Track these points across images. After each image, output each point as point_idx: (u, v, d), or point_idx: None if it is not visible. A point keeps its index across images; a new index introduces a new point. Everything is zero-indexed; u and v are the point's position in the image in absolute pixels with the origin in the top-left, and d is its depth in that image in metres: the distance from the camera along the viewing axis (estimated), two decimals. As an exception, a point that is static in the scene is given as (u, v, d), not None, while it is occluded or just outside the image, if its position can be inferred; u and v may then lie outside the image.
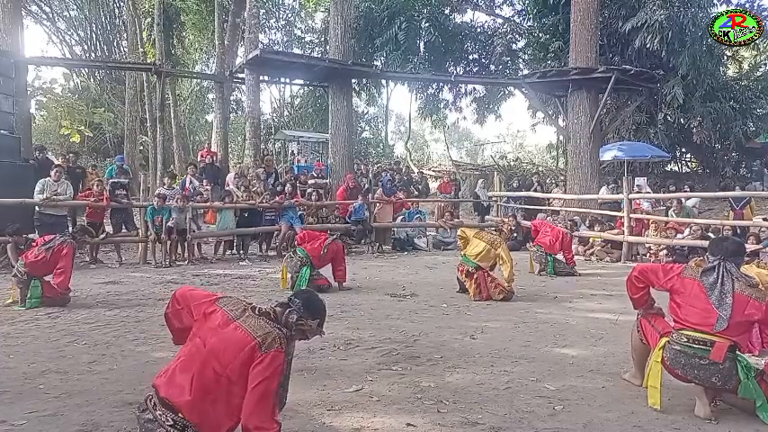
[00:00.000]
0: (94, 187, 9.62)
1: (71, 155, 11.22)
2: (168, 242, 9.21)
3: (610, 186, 13.73)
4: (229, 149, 17.83)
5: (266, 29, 27.52)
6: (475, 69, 21.98)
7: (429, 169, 25.94)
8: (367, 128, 29.94)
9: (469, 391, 3.45)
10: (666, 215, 11.18)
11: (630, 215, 10.46)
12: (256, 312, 2.44)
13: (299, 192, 11.27)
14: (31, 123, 12.81)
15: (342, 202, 11.79)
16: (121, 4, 24.15)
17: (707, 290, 3.10)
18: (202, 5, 21.93)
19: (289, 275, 7.02)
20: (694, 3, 16.18)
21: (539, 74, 14.58)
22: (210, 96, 25.35)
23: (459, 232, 7.95)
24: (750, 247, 7.34)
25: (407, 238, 12.24)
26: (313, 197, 11.48)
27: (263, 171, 11.78)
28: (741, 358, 3.05)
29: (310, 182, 12.35)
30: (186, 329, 2.62)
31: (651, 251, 10.62)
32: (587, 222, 11.71)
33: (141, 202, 9.89)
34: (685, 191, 13.17)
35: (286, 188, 10.80)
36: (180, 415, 2.21)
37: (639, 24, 15.34)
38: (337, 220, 11.71)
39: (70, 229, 7.64)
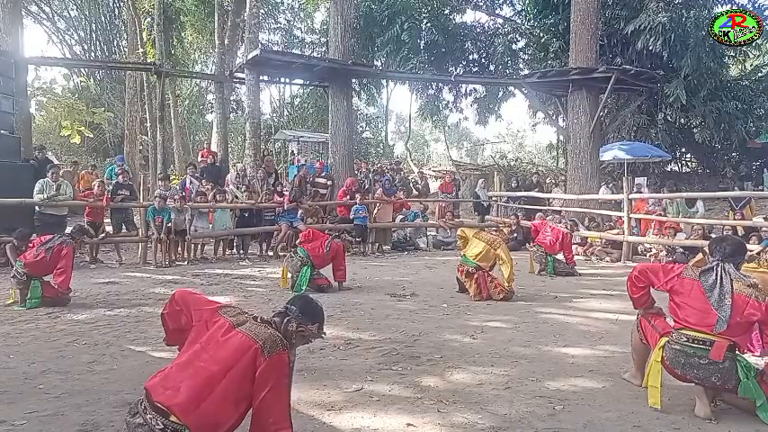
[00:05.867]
0: (95, 188, 9.62)
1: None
2: (167, 242, 9.21)
3: (609, 186, 13.73)
4: (229, 149, 17.81)
5: (266, 30, 27.53)
6: (475, 69, 21.97)
7: (429, 169, 25.94)
8: (367, 128, 29.93)
9: (469, 391, 3.45)
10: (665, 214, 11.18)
11: (630, 215, 10.47)
12: (258, 321, 2.46)
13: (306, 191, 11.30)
14: (31, 123, 12.79)
15: (340, 203, 11.77)
16: (121, 4, 24.18)
17: (706, 291, 3.10)
18: (201, 6, 21.94)
19: (289, 275, 7.03)
20: (696, 3, 16.18)
21: (539, 74, 14.59)
22: (210, 96, 25.35)
23: (458, 232, 7.95)
24: (751, 247, 7.34)
25: (407, 238, 12.25)
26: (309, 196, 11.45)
27: (263, 171, 11.76)
28: (741, 358, 3.05)
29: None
30: (182, 331, 2.63)
31: (652, 252, 10.62)
32: (586, 222, 11.72)
33: (141, 201, 9.88)
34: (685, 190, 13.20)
35: (292, 192, 10.75)
36: (171, 419, 2.18)
37: (641, 27, 15.33)
38: (336, 220, 11.69)
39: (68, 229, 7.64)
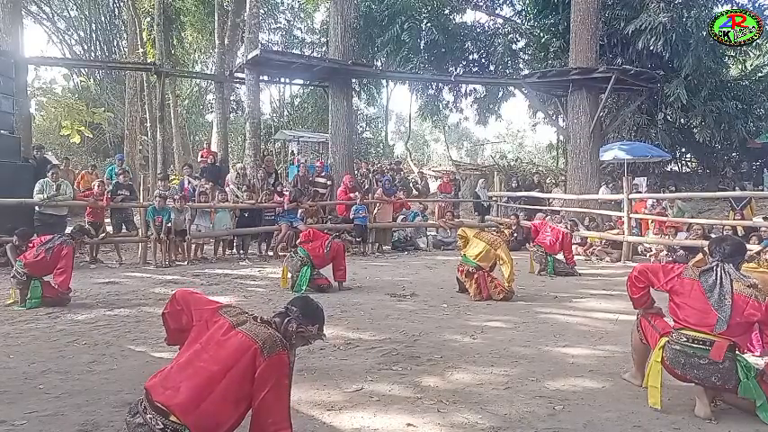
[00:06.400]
0: (95, 187, 9.62)
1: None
2: (167, 242, 9.21)
3: (609, 186, 13.74)
4: (229, 149, 17.82)
5: (266, 30, 27.52)
6: (475, 69, 21.97)
7: (429, 169, 25.94)
8: (367, 128, 29.93)
9: (469, 391, 3.45)
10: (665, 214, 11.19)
11: (630, 215, 10.47)
12: (258, 321, 2.46)
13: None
14: (31, 123, 12.78)
15: (340, 202, 11.77)
16: (121, 4, 24.19)
17: (706, 291, 3.09)
18: (201, 6, 21.94)
19: (289, 275, 7.03)
20: (696, 3, 16.17)
21: (539, 74, 14.59)
22: (210, 96, 25.36)
23: (459, 232, 7.95)
24: (751, 247, 7.34)
25: (407, 238, 12.24)
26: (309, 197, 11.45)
27: (264, 171, 11.77)
28: (741, 358, 3.05)
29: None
30: (183, 331, 2.62)
31: (652, 252, 10.63)
32: (586, 222, 11.72)
33: (141, 201, 9.88)
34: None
35: (292, 193, 10.74)
36: (171, 419, 2.18)
37: (642, 27, 15.32)
38: (337, 220, 11.68)
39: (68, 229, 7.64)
